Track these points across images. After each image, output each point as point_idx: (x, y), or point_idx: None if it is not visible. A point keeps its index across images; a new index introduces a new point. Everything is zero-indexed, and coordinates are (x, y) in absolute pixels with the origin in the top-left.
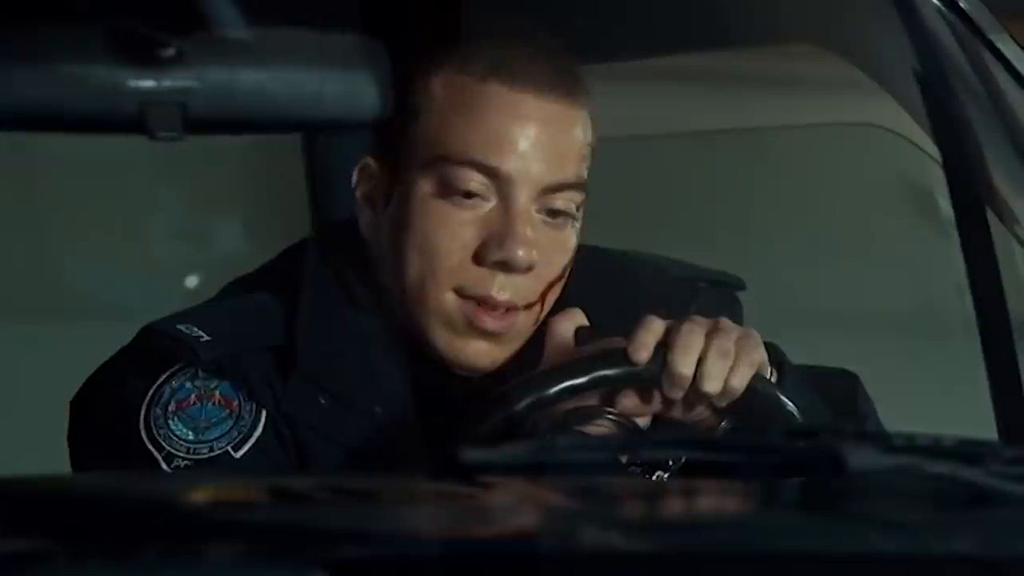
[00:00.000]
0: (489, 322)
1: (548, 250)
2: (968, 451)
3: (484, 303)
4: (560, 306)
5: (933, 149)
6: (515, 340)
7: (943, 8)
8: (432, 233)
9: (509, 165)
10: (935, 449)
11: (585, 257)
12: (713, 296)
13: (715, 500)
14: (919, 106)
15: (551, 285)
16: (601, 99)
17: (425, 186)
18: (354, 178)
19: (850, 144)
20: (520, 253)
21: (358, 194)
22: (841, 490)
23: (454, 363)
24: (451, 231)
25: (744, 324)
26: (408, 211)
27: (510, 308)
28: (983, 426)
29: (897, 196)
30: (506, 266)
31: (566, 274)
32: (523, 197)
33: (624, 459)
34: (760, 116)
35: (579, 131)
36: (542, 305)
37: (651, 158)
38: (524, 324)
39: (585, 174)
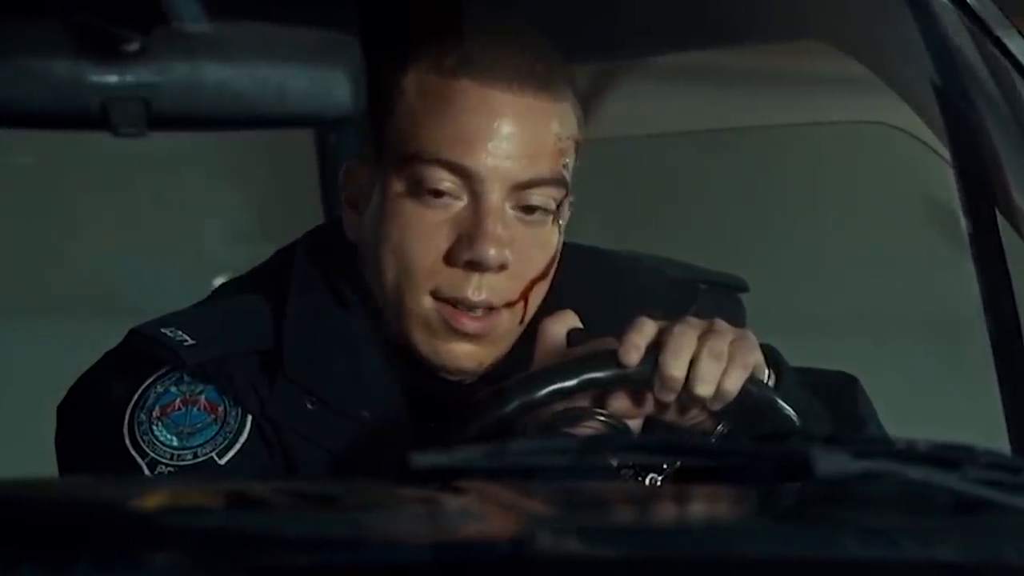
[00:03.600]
0: (468, 324)
1: (525, 248)
2: (943, 456)
3: (461, 304)
4: (554, 307)
5: (943, 148)
6: (500, 341)
7: (951, 5)
8: (405, 234)
9: (478, 163)
10: (908, 454)
11: (581, 257)
12: (713, 298)
13: (685, 505)
14: (927, 104)
15: (533, 283)
16: (609, 98)
17: (398, 186)
18: (340, 179)
19: (860, 143)
20: (491, 252)
21: (343, 196)
22: (817, 495)
23: (438, 366)
24: (423, 232)
25: (748, 326)
26: (383, 212)
27: (489, 308)
28: (994, 431)
29: (907, 195)
30: (478, 265)
31: (550, 271)
32: (494, 195)
33: (615, 462)
34: (769, 114)
35: (555, 125)
36: (525, 304)
37: (660, 157)
38: (507, 324)
39: (564, 169)
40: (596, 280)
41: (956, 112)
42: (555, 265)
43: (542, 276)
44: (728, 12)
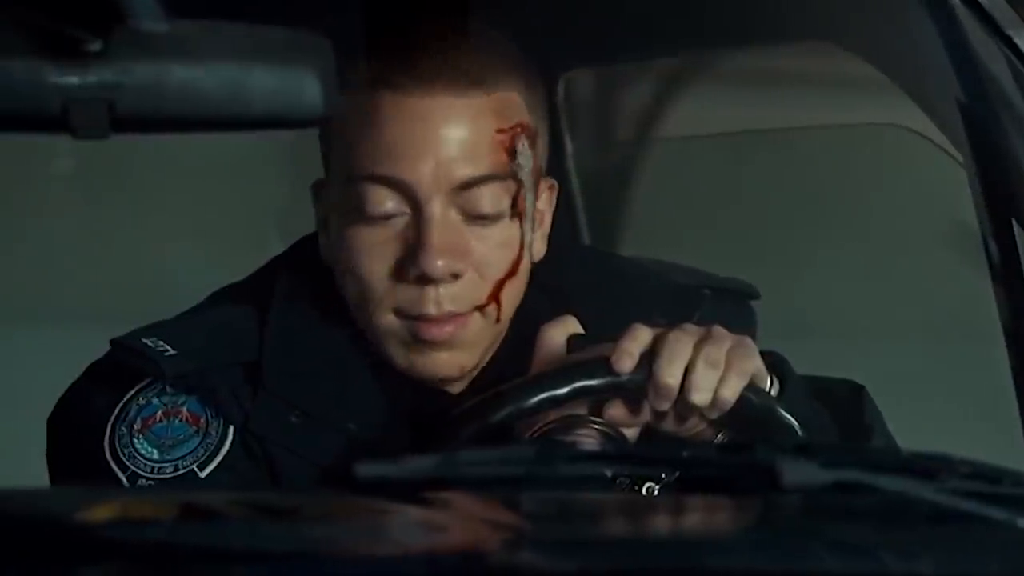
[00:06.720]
0: (435, 333)
1: (482, 251)
2: (919, 465)
3: (423, 319)
4: (555, 312)
5: (955, 150)
6: (477, 344)
7: (961, 4)
8: (358, 256)
9: (410, 173)
10: (881, 464)
11: (585, 260)
12: (719, 304)
13: (656, 516)
14: (938, 106)
15: (501, 283)
16: (621, 100)
17: (346, 207)
18: (312, 199)
19: (872, 145)
20: (439, 264)
21: (316, 214)
22: (794, 507)
23: (418, 378)
24: (373, 252)
25: (759, 333)
26: (339, 234)
27: (457, 315)
28: (1011, 440)
29: (920, 198)
30: (428, 279)
31: (520, 267)
32: (432, 203)
33: (609, 473)
34: (780, 117)
35: (491, 119)
36: (498, 304)
37: (670, 159)
38: (480, 327)
39: (511, 163)
40: (599, 284)
41: (968, 113)
42: (526, 260)
43: (511, 274)
44: (737, 13)
